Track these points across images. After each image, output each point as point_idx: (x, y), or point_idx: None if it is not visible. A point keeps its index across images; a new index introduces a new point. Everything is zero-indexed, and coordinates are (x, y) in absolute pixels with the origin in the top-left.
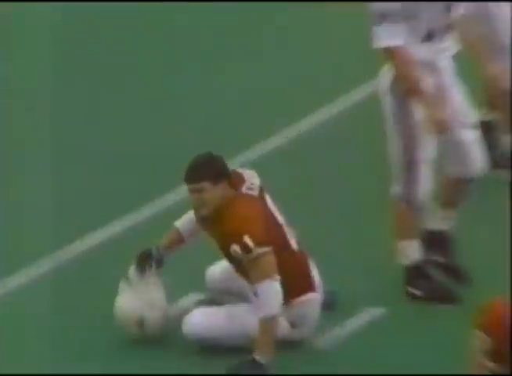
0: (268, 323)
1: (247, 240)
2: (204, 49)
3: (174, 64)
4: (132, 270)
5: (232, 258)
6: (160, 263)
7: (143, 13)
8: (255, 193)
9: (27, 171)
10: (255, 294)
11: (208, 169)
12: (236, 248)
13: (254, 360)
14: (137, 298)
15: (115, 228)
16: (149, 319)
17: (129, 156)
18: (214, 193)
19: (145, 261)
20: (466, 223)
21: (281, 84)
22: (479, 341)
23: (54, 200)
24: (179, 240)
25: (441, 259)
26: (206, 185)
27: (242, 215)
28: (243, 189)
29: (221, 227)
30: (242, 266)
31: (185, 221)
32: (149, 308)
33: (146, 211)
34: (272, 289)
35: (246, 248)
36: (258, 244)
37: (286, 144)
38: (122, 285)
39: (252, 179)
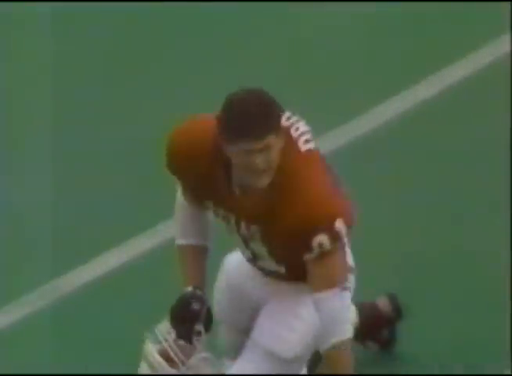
0: (340, 353)
1: (340, 225)
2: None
3: (178, 63)
4: (169, 340)
5: (290, 258)
6: (210, 321)
7: (144, 13)
8: (314, 145)
9: (26, 182)
10: (315, 306)
11: (273, 114)
12: (321, 240)
13: None
14: None
15: (123, 252)
16: None
17: (137, 163)
18: (278, 149)
19: (188, 327)
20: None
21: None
22: None
23: (54, 221)
24: (205, 255)
25: None
26: (272, 139)
27: (324, 187)
28: (300, 144)
29: (282, 208)
30: (298, 269)
31: (189, 223)
32: None
33: (163, 232)
34: (344, 302)
35: (335, 238)
36: (348, 229)
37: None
38: (156, 360)
39: (297, 122)
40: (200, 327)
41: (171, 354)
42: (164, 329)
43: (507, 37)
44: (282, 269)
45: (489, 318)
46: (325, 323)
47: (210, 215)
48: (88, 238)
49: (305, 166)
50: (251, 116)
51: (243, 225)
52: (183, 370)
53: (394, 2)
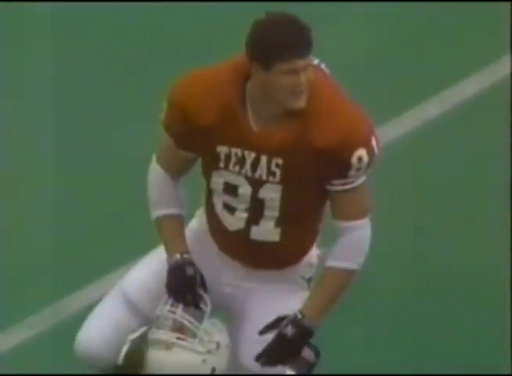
0: (347, 277)
1: (374, 143)
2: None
3: (178, 63)
4: (177, 312)
5: (307, 197)
6: (205, 282)
7: (145, 13)
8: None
9: (26, 205)
10: (343, 231)
11: (311, 32)
12: (361, 154)
13: (308, 328)
14: (197, 352)
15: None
16: (220, 365)
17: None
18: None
19: (192, 292)
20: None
21: None
22: None
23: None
24: (183, 224)
25: None
26: (310, 57)
27: (353, 105)
28: (323, 68)
29: (316, 129)
30: (297, 228)
31: (167, 193)
32: (215, 355)
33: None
34: (369, 233)
35: (372, 154)
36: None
37: None
38: (170, 336)
39: None
40: (200, 290)
41: (185, 322)
42: (167, 307)
43: (507, 58)
44: (275, 235)
45: (490, 319)
46: (347, 247)
47: (216, 178)
48: (88, 261)
49: (332, 87)
50: (303, 33)
51: (263, 162)
52: (200, 335)
53: (395, 25)
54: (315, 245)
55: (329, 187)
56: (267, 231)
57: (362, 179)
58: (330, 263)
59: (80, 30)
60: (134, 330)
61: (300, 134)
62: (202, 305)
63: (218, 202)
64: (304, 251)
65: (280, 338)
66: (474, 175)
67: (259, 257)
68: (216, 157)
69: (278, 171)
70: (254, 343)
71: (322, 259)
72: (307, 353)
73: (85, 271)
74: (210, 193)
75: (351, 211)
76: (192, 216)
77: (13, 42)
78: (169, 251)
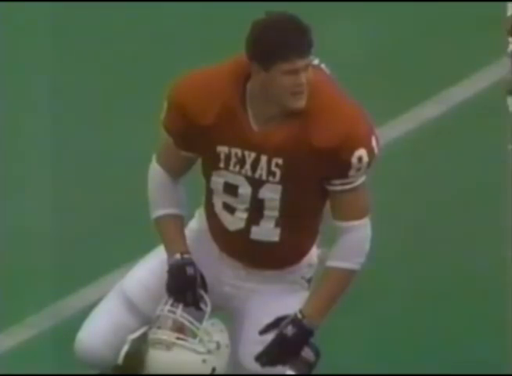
0: (347, 278)
1: (374, 143)
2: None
3: (178, 62)
4: (177, 312)
5: (305, 196)
6: (205, 282)
7: (145, 13)
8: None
9: (26, 207)
10: (343, 232)
11: (311, 32)
12: (361, 154)
13: (308, 328)
14: (197, 352)
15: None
16: (220, 365)
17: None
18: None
19: (192, 292)
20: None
21: None
22: None
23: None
24: (183, 225)
25: None
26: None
27: (354, 105)
28: (324, 68)
29: (317, 129)
30: (296, 229)
31: (167, 193)
32: (215, 355)
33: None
34: (370, 233)
35: (372, 154)
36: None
37: None
38: (171, 335)
39: None
40: (200, 290)
41: (186, 323)
42: (167, 307)
43: (507, 58)
44: (275, 235)
45: (491, 319)
46: (347, 247)
47: (216, 178)
48: (88, 262)
49: (333, 87)
50: (303, 33)
51: (262, 162)
52: (200, 335)
53: (395, 25)
54: (315, 245)
55: (329, 187)
56: (267, 231)
57: (361, 179)
58: (331, 263)
59: (80, 29)
60: (134, 330)
61: (300, 134)
62: (202, 305)
63: (218, 202)
64: (305, 251)
65: (280, 338)
66: (474, 175)
67: (259, 257)
68: (216, 157)
69: (278, 171)
70: (254, 343)
71: (322, 259)
72: (307, 353)
73: (85, 271)
74: (210, 193)
75: (351, 212)
76: (192, 216)
77: (13, 42)
78: (169, 251)
